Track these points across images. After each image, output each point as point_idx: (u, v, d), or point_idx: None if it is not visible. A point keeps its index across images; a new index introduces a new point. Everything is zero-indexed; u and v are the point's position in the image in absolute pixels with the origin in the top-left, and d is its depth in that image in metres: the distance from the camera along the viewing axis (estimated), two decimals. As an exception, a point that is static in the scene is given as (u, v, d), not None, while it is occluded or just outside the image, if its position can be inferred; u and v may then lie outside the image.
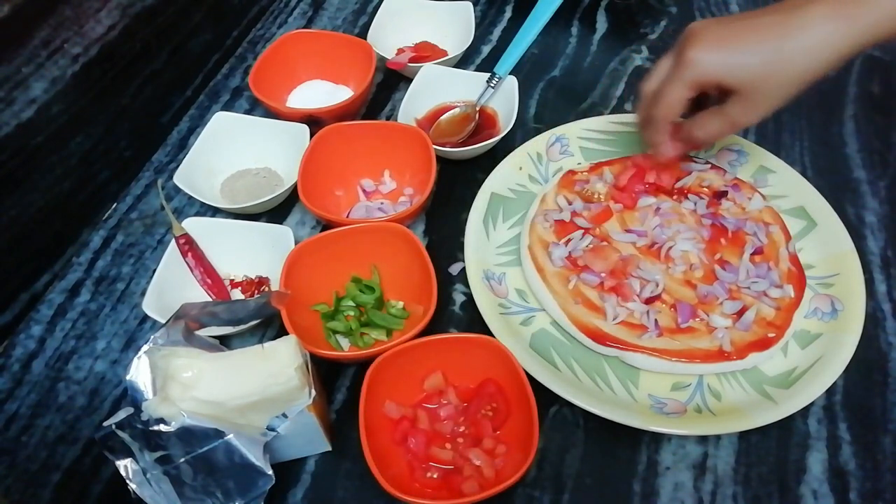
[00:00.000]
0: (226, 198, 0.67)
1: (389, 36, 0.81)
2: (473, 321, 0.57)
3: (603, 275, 0.57)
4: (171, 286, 0.58)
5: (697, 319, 0.54)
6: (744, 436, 0.52)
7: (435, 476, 0.49)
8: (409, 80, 0.73)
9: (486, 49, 0.83)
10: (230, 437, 0.43)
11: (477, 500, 0.45)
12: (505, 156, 0.66)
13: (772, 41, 0.48)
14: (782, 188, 0.63)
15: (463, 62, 0.81)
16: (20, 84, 0.57)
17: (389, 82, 0.79)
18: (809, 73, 0.48)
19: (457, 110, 0.73)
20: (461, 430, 0.51)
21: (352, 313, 0.58)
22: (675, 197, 0.62)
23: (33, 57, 0.57)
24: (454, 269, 0.62)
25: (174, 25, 0.73)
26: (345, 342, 0.57)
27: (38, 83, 0.58)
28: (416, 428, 0.51)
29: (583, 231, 0.60)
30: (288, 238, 0.59)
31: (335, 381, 0.56)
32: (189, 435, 0.43)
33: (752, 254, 0.58)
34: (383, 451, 0.47)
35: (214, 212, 0.66)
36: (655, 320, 0.54)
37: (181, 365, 0.44)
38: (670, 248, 0.58)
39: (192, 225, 0.61)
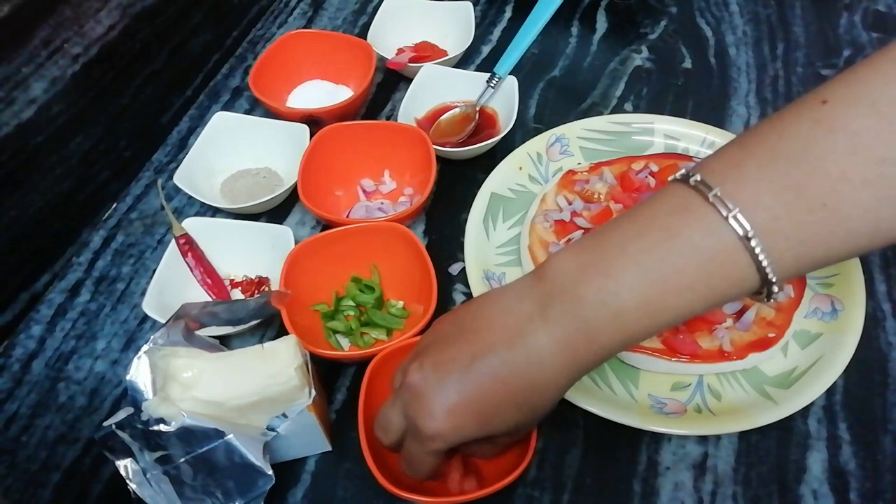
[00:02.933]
0: (226, 198, 0.67)
1: (389, 36, 0.81)
2: (473, 321, 0.57)
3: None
4: (171, 286, 0.58)
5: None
6: (744, 436, 0.52)
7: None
8: (409, 80, 0.73)
9: (486, 49, 0.83)
10: (230, 437, 0.43)
11: (475, 499, 0.45)
12: (505, 156, 0.66)
13: (515, 397, 0.39)
14: (782, 188, 0.63)
15: (463, 62, 0.81)
16: (20, 84, 0.57)
17: (389, 82, 0.79)
18: (555, 401, 0.41)
19: (457, 110, 0.73)
20: None
21: (352, 313, 0.58)
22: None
23: (33, 57, 0.57)
24: (454, 269, 0.62)
25: (174, 25, 0.73)
26: (345, 342, 0.57)
27: (38, 83, 0.58)
28: None
29: (583, 231, 0.60)
30: (288, 238, 0.59)
31: (335, 381, 0.56)
32: (189, 435, 0.43)
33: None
34: (382, 449, 0.47)
35: (214, 212, 0.66)
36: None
37: (181, 365, 0.44)
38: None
39: (192, 225, 0.61)
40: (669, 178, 0.39)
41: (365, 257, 0.59)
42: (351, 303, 0.59)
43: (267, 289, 0.60)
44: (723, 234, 0.35)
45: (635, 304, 0.37)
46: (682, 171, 0.38)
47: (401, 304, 0.59)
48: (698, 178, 0.36)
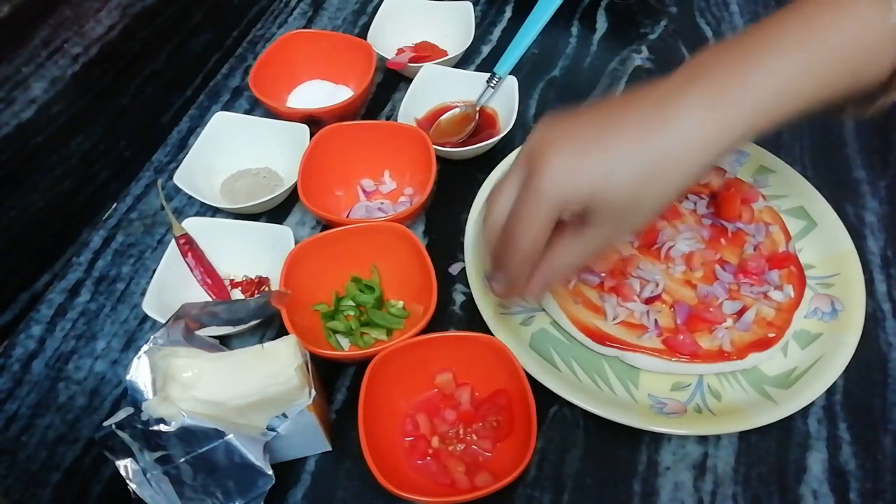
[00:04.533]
0: (226, 198, 0.67)
1: (389, 36, 0.81)
2: (473, 321, 0.57)
3: (603, 274, 0.57)
4: (171, 286, 0.58)
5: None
6: (744, 436, 0.52)
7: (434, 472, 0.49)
8: (409, 80, 0.73)
9: (486, 49, 0.83)
10: (230, 437, 0.43)
11: (474, 498, 0.45)
12: (505, 156, 0.66)
13: (643, 147, 0.38)
14: (782, 188, 0.63)
15: (463, 62, 0.81)
16: (20, 84, 0.57)
17: (389, 82, 0.79)
18: (688, 178, 0.39)
19: (457, 110, 0.73)
20: (461, 435, 0.51)
21: (352, 313, 0.58)
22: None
23: (33, 57, 0.57)
24: (454, 269, 0.62)
25: (174, 25, 0.73)
26: (345, 342, 0.57)
27: (38, 83, 0.58)
28: (417, 428, 0.51)
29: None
30: (288, 238, 0.59)
31: (335, 381, 0.56)
32: (189, 435, 0.43)
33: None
34: (382, 449, 0.47)
35: (214, 212, 0.66)
36: (655, 320, 0.54)
37: (181, 365, 0.44)
38: (670, 248, 0.58)
39: (192, 225, 0.61)
40: None
41: (365, 257, 0.59)
42: (351, 303, 0.59)
43: (267, 289, 0.60)
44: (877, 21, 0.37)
45: (794, 67, 0.38)
46: None
47: (401, 303, 0.59)
48: None
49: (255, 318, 0.53)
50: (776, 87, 0.38)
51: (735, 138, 0.38)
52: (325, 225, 0.64)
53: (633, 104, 0.39)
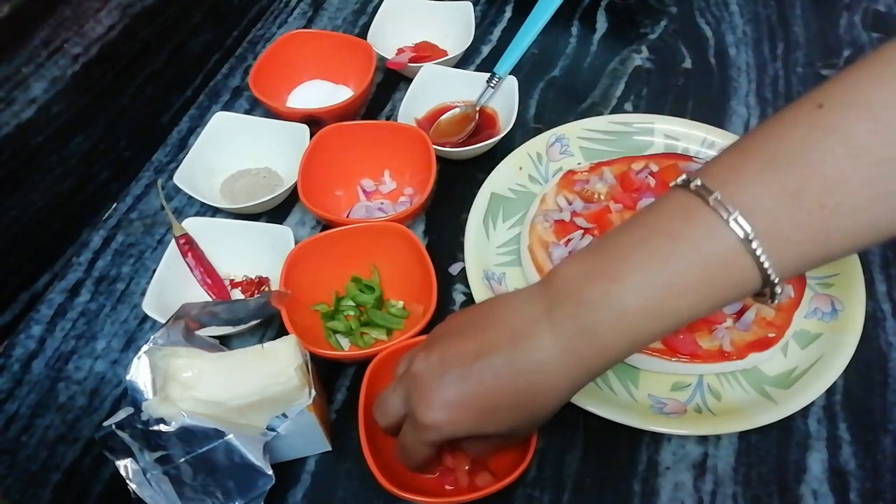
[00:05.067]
0: (226, 198, 0.67)
1: (389, 36, 0.81)
2: (473, 321, 0.57)
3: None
4: (171, 286, 0.58)
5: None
6: (744, 436, 0.52)
7: (435, 475, 0.49)
8: (409, 80, 0.73)
9: (486, 49, 0.83)
10: (230, 437, 0.43)
11: (475, 499, 0.45)
12: (505, 156, 0.66)
13: (513, 389, 0.39)
14: (782, 188, 0.63)
15: (463, 62, 0.80)
16: (20, 84, 0.57)
17: (389, 82, 0.79)
18: (560, 400, 0.40)
19: (457, 110, 0.73)
20: None
21: (352, 313, 0.58)
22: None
23: (33, 57, 0.57)
24: (454, 269, 0.62)
25: (174, 25, 0.73)
26: (345, 342, 0.57)
27: (38, 83, 0.58)
28: None
29: (582, 231, 0.60)
30: (288, 238, 0.59)
31: (335, 381, 0.56)
32: (189, 435, 0.43)
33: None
34: (382, 449, 0.47)
35: (214, 212, 0.66)
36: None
37: (181, 365, 0.44)
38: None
39: (192, 225, 0.61)
40: (671, 184, 0.39)
41: (365, 257, 0.59)
42: (351, 303, 0.59)
43: (267, 289, 0.60)
44: (724, 237, 0.35)
45: (639, 307, 0.37)
46: (683, 176, 0.38)
47: (401, 304, 0.59)
48: (699, 182, 0.37)
49: (256, 318, 0.53)
50: (641, 310, 0.37)
51: (600, 367, 0.39)
52: (325, 225, 0.64)
53: (501, 337, 0.40)
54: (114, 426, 0.43)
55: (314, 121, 0.69)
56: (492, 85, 0.72)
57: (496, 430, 0.41)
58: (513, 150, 0.67)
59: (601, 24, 0.85)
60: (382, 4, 0.82)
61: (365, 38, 0.77)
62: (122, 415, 0.44)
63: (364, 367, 0.50)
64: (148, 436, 0.43)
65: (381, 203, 0.67)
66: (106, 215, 0.68)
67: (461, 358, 0.40)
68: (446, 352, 0.41)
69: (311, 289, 0.57)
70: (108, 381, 0.56)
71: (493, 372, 0.39)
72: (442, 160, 0.68)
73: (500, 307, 0.42)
